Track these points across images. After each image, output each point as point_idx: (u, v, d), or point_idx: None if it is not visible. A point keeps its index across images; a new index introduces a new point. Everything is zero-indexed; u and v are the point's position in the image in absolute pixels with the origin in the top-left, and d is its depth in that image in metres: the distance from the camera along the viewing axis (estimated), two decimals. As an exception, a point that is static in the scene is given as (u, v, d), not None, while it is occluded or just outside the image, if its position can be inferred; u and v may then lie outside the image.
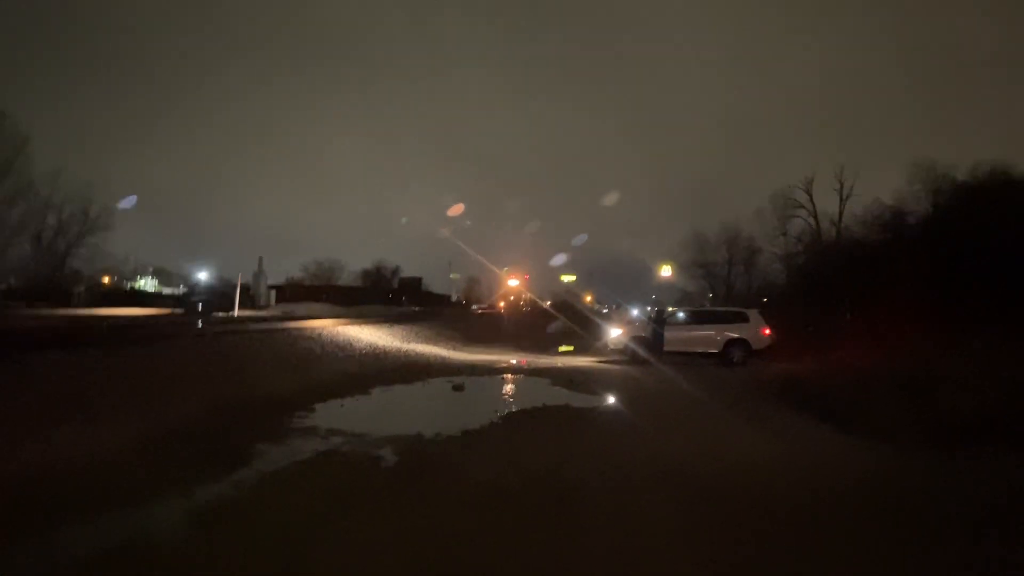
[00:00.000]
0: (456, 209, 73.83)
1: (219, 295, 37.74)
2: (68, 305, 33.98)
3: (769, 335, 17.55)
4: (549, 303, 64.41)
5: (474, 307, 68.70)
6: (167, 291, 56.83)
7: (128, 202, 45.92)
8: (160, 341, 12.68)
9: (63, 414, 6.57)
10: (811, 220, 36.43)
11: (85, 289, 42.06)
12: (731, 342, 17.53)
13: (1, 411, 6.20)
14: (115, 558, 3.81)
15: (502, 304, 70.57)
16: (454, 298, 77.96)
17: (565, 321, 32.21)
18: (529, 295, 65.07)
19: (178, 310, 33.64)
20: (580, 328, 27.75)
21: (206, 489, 5.20)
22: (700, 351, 17.70)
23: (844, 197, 34.98)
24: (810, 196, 36.54)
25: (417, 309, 50.90)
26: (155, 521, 4.52)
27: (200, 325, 20.12)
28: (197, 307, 34.37)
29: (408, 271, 76.91)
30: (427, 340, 21.75)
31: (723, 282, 44.37)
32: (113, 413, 7.15)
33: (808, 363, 14.02)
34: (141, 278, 58.45)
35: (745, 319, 18.05)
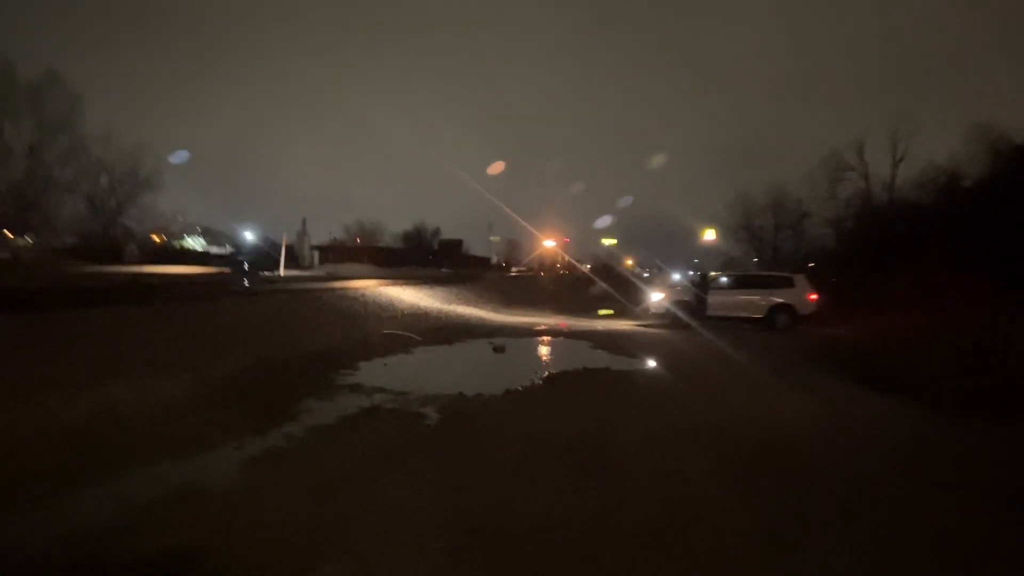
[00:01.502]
0: (496, 167, 73.60)
1: (264, 255, 38.45)
2: (120, 263, 34.96)
3: (815, 300, 17.23)
4: (589, 267, 63.84)
5: (513, 269, 68.58)
6: (215, 250, 58.07)
7: (179, 157, 46.89)
8: (210, 299, 12.98)
9: (119, 367, 6.80)
10: (862, 183, 35.31)
11: (137, 247, 43.15)
12: (776, 307, 17.26)
13: (61, 364, 6.44)
14: (171, 503, 3.97)
15: (536, 267, 70.07)
16: (494, 260, 78.11)
17: (604, 285, 32.00)
18: (567, 258, 64.38)
19: (225, 269, 34.35)
20: (620, 292, 27.56)
21: (256, 441, 5.37)
22: (744, 316, 17.48)
23: (897, 160, 33.67)
24: (862, 158, 35.34)
25: (446, 271, 50.82)
26: (208, 469, 4.69)
27: (247, 284, 20.55)
28: (243, 266, 35.09)
29: (449, 233, 77.24)
30: (467, 302, 21.90)
31: (769, 246, 43.43)
32: (167, 367, 7.38)
33: (856, 329, 13.75)
34: (189, 237, 59.74)
35: (791, 284, 17.74)
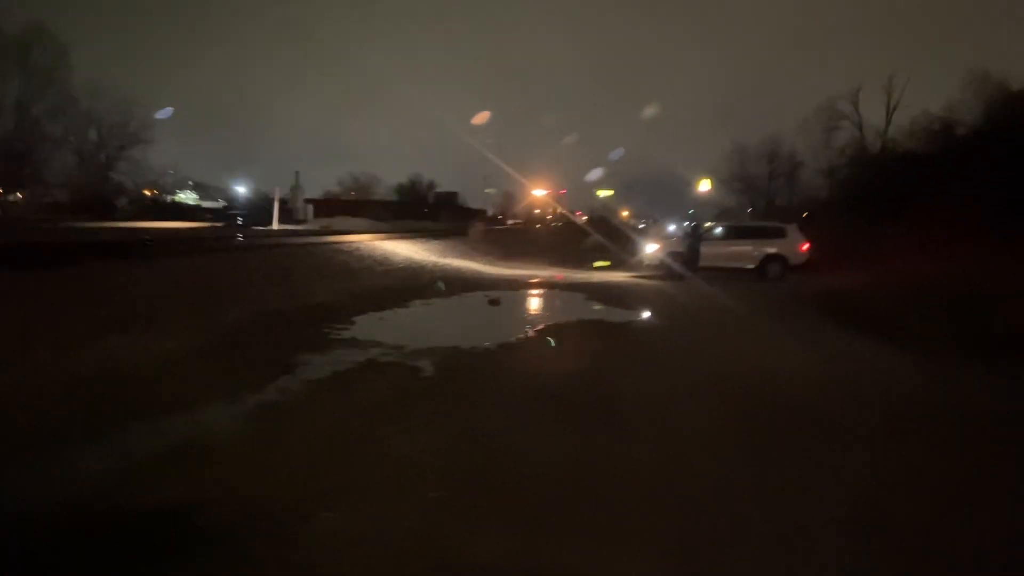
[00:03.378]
0: (481, 117, 72.25)
1: (258, 209, 38.21)
2: (112, 218, 34.75)
3: (807, 250, 17.30)
4: (585, 218, 63.38)
5: (508, 222, 68.14)
6: (207, 205, 57.60)
7: (165, 113, 46.12)
8: (203, 254, 12.96)
9: (115, 322, 6.81)
10: (856, 132, 35.04)
11: (128, 202, 42.83)
12: (768, 257, 17.32)
13: (58, 320, 6.44)
14: (168, 456, 4.01)
15: (526, 218, 69.10)
16: (490, 213, 77.74)
17: (599, 237, 31.94)
18: (559, 209, 63.54)
19: (217, 224, 34.18)
20: (615, 244, 27.53)
21: (253, 395, 5.39)
22: (736, 267, 17.54)
23: (892, 108, 33.45)
24: (856, 107, 35.02)
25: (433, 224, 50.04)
26: (205, 423, 4.72)
27: (240, 238, 20.47)
28: (236, 221, 34.91)
29: (445, 186, 76.67)
30: (463, 255, 21.88)
31: (763, 196, 43.42)
32: (162, 322, 7.39)
33: (848, 278, 13.83)
34: (181, 192, 59.20)
35: (783, 234, 17.77)
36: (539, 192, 62.51)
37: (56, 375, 5.35)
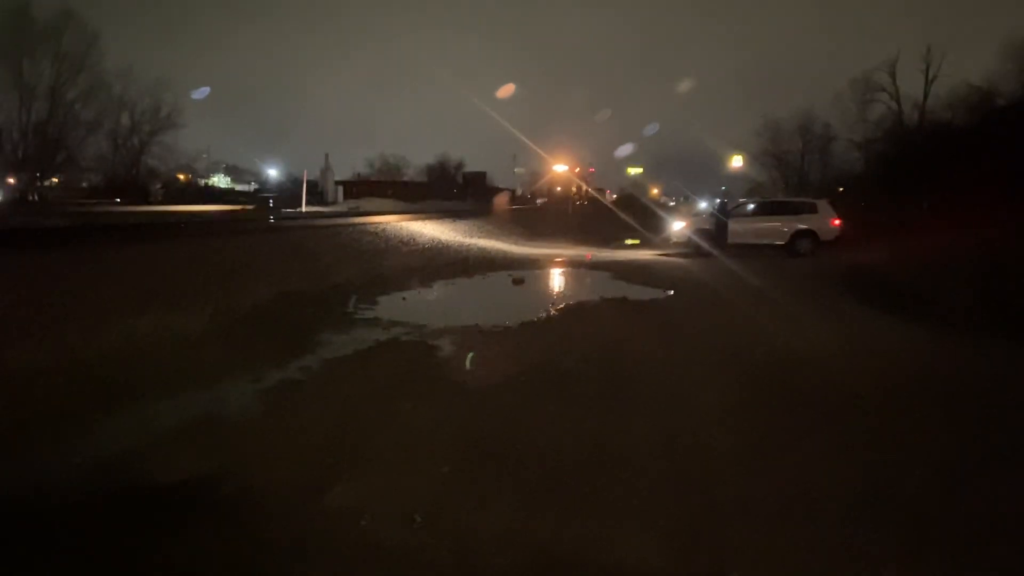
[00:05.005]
0: (506, 90, 71.64)
1: (288, 191, 38.65)
2: (146, 203, 35.42)
3: (838, 226, 17.00)
4: (615, 197, 62.61)
5: (537, 201, 67.55)
6: (239, 188, 58.44)
7: (201, 93, 46.91)
8: (233, 235, 13.16)
9: (141, 302, 6.97)
10: (893, 104, 34.06)
11: (162, 186, 43.61)
12: (798, 233, 17.06)
13: (83, 300, 6.61)
14: (191, 432, 4.14)
15: (546, 195, 66.91)
16: (519, 192, 77.46)
17: (626, 215, 31.71)
18: (584, 186, 61.72)
19: (249, 206, 34.62)
20: (644, 222, 27.32)
21: (274, 372, 5.52)
22: (766, 243, 17.32)
23: (929, 79, 32.45)
24: (893, 79, 34.03)
25: (461, 204, 49.65)
26: (227, 400, 4.86)
27: (271, 220, 20.72)
28: (268, 203, 35.34)
29: (474, 166, 76.49)
30: (489, 235, 21.89)
31: (796, 172, 42.59)
32: (189, 302, 7.55)
33: (882, 253, 13.56)
34: (214, 175, 60.10)
35: (814, 209, 17.48)
36: (560, 168, 59.02)
37: (77, 355, 5.51)
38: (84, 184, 41.15)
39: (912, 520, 3.09)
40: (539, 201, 67.01)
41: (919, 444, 4.08)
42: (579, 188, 61.65)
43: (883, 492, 3.37)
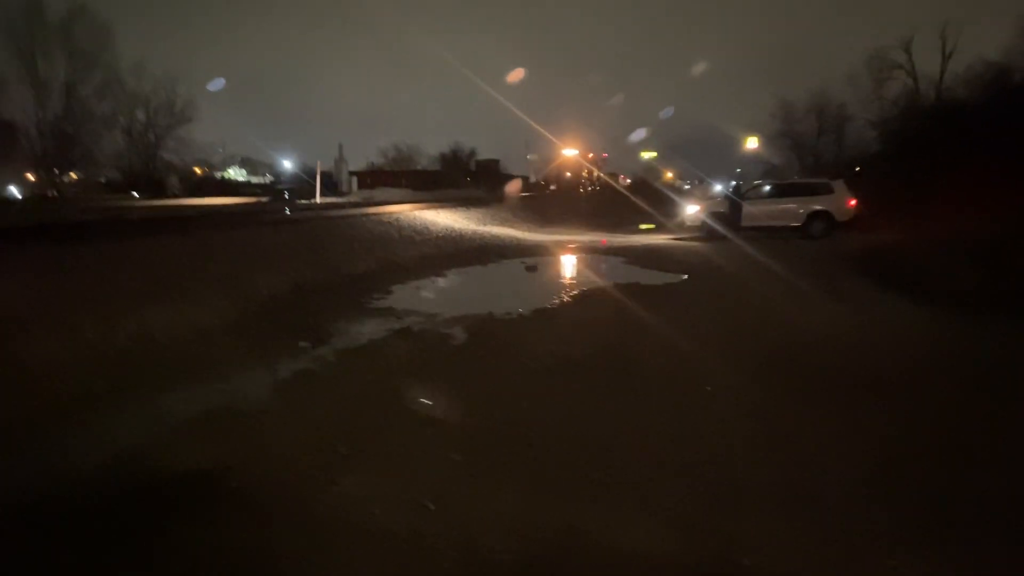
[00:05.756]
0: (516, 74, 71.07)
1: (303, 182, 38.85)
2: (163, 196, 35.73)
3: (855, 206, 16.83)
4: (628, 182, 62.02)
5: (551, 187, 66.89)
6: (255, 180, 58.75)
7: (216, 84, 47.06)
8: (248, 227, 13.25)
9: (158, 295, 7.07)
10: (909, 81, 33.45)
11: (178, 180, 43.94)
12: (813, 214, 16.92)
13: (101, 294, 6.70)
14: (203, 424, 4.22)
15: (553, 181, 64.34)
16: (532, 179, 77.05)
17: (640, 200, 31.51)
18: (597, 172, 60.15)
19: (264, 198, 34.84)
20: (659, 206, 27.18)
21: (288, 363, 5.60)
22: (781, 225, 17.19)
23: (946, 56, 31.91)
24: (909, 55, 33.44)
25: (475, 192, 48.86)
26: (240, 391, 4.92)
27: (287, 212, 20.85)
28: (283, 195, 35.53)
29: (487, 153, 76.11)
30: (503, 222, 21.90)
31: (811, 153, 42.04)
32: (205, 294, 7.64)
33: (899, 233, 13.43)
34: (230, 168, 60.41)
35: (829, 190, 17.29)
36: (570, 152, 57.51)
37: (95, 348, 5.60)
38: (102, 179, 41.54)
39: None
40: (552, 187, 66.25)
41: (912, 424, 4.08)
42: (590, 173, 60.26)
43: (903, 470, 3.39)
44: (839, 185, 17.52)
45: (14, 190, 35.71)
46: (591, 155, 59.45)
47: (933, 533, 2.83)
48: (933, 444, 3.79)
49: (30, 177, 37.15)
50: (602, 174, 61.86)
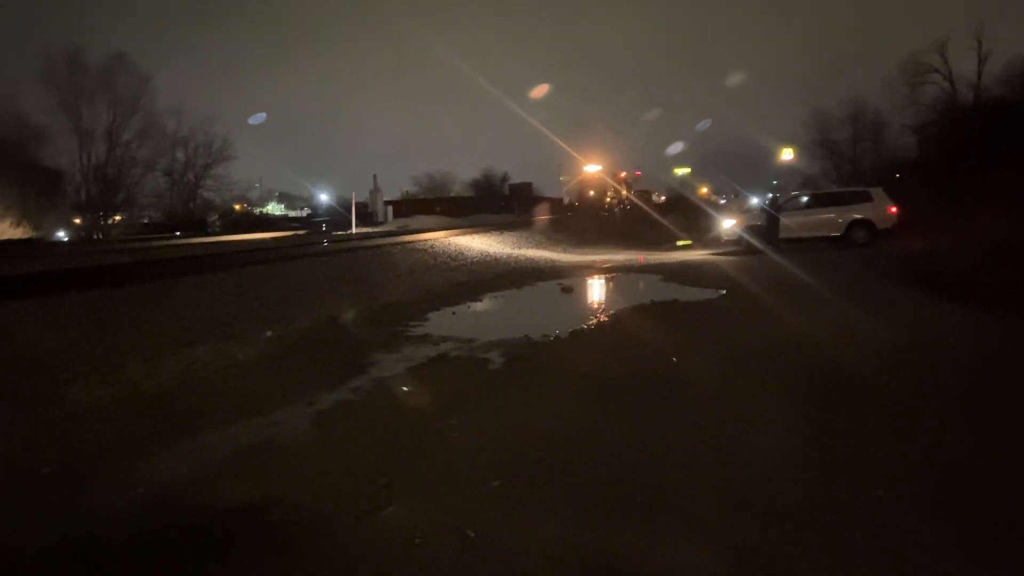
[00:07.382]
0: (540, 90, 71.22)
1: (339, 214, 39.52)
2: (204, 234, 36.64)
3: (895, 213, 16.46)
4: (663, 199, 61.45)
5: (575, 205, 65.94)
6: (292, 214, 59.98)
7: (258, 119, 48.56)
8: (286, 261, 13.47)
9: (197, 333, 7.19)
10: (946, 85, 32.80)
11: (218, 217, 45.10)
12: (854, 223, 16.61)
13: (142, 334, 6.85)
14: (245, 459, 4.23)
15: (576, 199, 63.40)
16: (566, 201, 77.16)
17: (676, 216, 31.29)
18: (623, 189, 57.88)
19: (302, 231, 35.48)
20: (694, 222, 26.97)
21: (327, 395, 5.59)
22: (820, 235, 16.90)
23: (982, 56, 31.25)
24: (944, 59, 32.83)
25: (508, 216, 47.83)
26: (281, 425, 4.93)
27: (324, 244, 21.17)
28: (320, 227, 36.18)
29: (518, 177, 76.63)
30: (537, 244, 21.92)
31: (848, 161, 41.38)
32: (243, 329, 7.76)
33: (942, 239, 13.05)
34: (268, 203, 61.83)
35: (869, 198, 16.98)
36: (593, 168, 53.62)
37: (137, 388, 5.70)
38: (145, 220, 42.86)
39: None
40: (575, 206, 64.42)
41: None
42: (617, 191, 56.64)
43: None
44: (878, 192, 17.19)
45: (61, 234, 37.02)
46: (623, 174, 58.47)
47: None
48: None
49: (76, 221, 38.49)
50: (629, 193, 59.82)
